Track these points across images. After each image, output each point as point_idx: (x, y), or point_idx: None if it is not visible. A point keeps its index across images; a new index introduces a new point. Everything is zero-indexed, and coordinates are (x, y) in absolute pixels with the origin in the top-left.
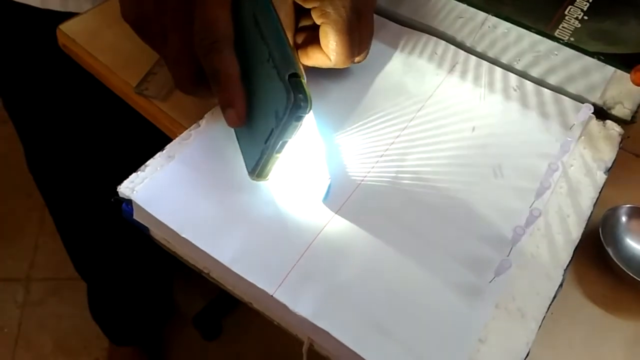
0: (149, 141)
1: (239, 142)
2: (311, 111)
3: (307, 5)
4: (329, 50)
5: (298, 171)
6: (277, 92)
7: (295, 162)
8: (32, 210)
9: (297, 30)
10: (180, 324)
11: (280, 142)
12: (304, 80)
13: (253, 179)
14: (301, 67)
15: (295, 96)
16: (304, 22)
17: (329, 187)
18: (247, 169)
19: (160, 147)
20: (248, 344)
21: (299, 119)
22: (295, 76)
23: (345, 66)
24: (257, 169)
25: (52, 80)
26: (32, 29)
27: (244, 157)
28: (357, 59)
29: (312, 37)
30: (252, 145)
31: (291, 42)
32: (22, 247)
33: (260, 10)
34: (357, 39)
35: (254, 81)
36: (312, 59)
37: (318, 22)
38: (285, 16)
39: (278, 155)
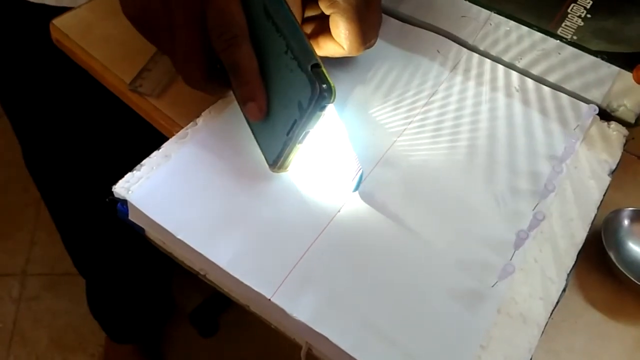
0: (147, 135)
1: (255, 136)
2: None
3: None
4: (342, 39)
5: (325, 162)
6: (299, 83)
7: (321, 154)
8: (28, 205)
9: (304, 20)
10: (177, 320)
11: (304, 133)
12: (326, 70)
13: (274, 171)
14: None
15: (320, 86)
16: (310, 12)
17: (361, 177)
18: (267, 161)
19: (159, 142)
20: (245, 342)
21: (323, 108)
22: (317, 66)
23: (358, 53)
24: (279, 161)
25: (47, 76)
26: (27, 23)
27: (262, 151)
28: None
29: (321, 27)
30: (271, 138)
31: None
32: (17, 242)
33: (272, 2)
34: (368, 25)
35: (270, 73)
36: (324, 49)
37: (327, 12)
38: (293, 6)
39: (300, 145)
